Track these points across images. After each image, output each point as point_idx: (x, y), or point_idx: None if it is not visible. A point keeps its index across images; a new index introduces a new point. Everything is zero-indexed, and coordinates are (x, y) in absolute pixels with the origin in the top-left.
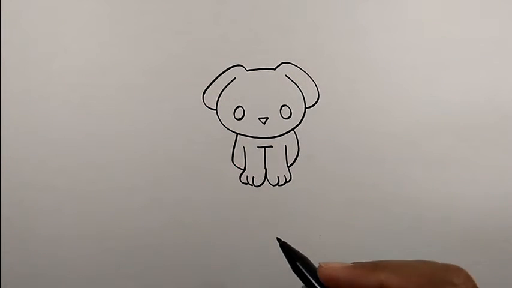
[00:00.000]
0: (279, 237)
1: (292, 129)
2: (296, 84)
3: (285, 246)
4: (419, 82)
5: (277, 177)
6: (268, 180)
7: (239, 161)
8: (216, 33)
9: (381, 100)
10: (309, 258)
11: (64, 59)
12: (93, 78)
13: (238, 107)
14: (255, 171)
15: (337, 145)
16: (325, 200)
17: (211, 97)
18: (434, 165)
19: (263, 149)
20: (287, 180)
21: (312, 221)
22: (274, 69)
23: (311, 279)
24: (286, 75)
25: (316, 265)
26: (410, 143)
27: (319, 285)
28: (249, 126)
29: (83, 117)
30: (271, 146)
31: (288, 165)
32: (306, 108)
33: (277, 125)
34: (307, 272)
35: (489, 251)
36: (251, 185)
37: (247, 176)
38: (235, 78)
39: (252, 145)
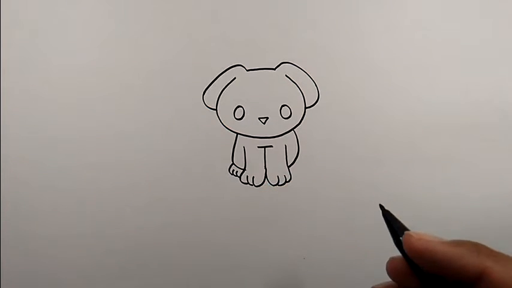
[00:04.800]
0: (382, 205)
1: (292, 129)
2: (296, 84)
3: (387, 216)
4: (419, 82)
5: (277, 177)
6: (268, 180)
7: (239, 161)
8: (216, 33)
9: (381, 100)
10: (308, 257)
11: (64, 59)
12: (93, 78)
13: (238, 107)
14: (255, 171)
15: (337, 145)
16: (325, 200)
17: (211, 97)
18: (434, 165)
19: (263, 149)
20: (287, 180)
21: (311, 221)
22: (274, 69)
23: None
24: (286, 75)
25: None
26: (410, 143)
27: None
28: (249, 126)
29: (83, 117)
30: (271, 146)
31: (288, 165)
32: (306, 108)
33: (277, 125)
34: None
35: None
36: (251, 185)
37: (247, 176)
38: (235, 78)
39: (252, 145)
